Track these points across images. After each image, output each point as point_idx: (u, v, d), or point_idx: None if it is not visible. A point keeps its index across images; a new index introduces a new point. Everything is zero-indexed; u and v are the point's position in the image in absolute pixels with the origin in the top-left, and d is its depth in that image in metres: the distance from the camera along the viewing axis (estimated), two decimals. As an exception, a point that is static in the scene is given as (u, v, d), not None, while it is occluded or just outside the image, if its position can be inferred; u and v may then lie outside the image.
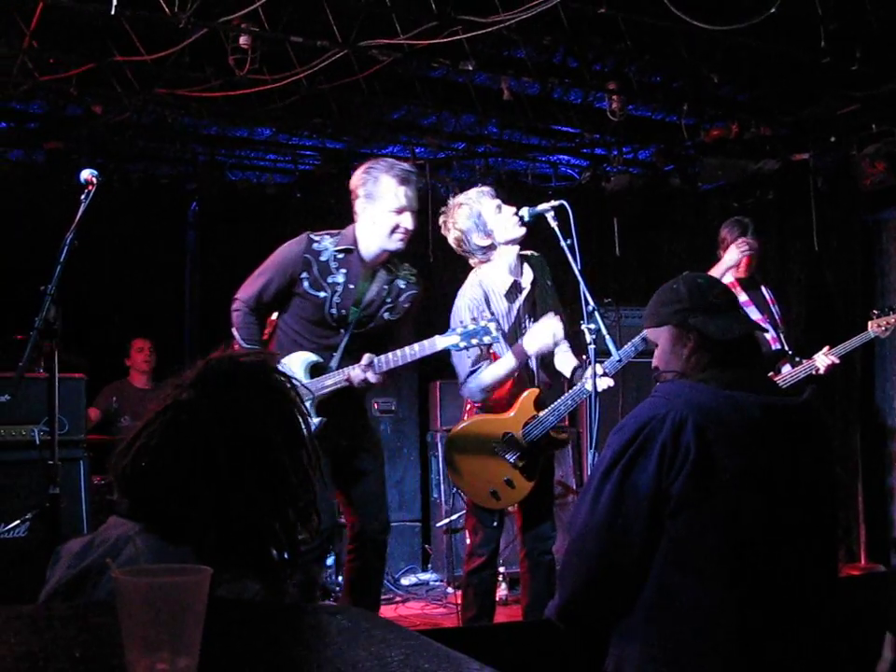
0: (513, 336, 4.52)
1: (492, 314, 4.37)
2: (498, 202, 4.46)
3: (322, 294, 4.16)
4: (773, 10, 5.03)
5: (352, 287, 4.18)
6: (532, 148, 8.23)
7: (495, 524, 4.61)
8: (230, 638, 1.22)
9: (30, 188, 7.35)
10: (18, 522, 5.00)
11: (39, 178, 7.35)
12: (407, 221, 4.15)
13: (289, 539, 1.70)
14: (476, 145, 8.11)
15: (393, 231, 4.16)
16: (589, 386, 4.03)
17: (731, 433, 2.37)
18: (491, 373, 4.45)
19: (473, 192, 4.50)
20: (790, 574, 2.38)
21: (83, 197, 3.58)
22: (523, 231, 4.41)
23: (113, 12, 4.96)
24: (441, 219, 4.58)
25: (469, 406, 4.70)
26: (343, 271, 4.17)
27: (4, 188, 7.22)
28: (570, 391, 4.44)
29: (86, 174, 3.61)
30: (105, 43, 5.92)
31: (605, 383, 4.23)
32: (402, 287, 4.33)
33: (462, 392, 4.62)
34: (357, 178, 4.26)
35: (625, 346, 4.31)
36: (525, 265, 4.59)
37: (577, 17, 5.67)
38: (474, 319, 4.13)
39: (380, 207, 4.15)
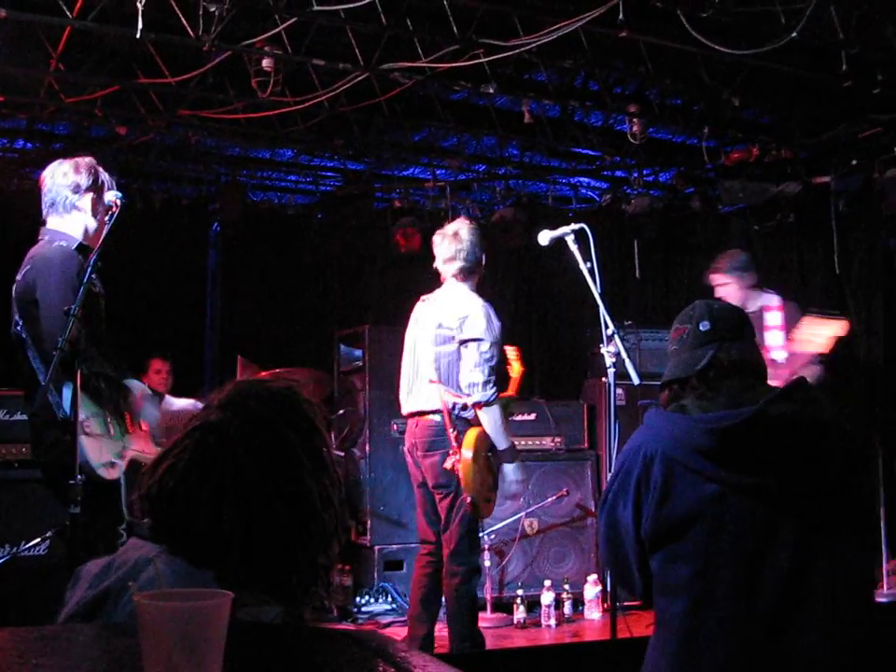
0: None
1: None
2: None
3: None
4: (794, 35, 5.04)
5: None
6: (552, 171, 8.25)
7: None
8: (249, 662, 1.22)
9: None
10: (38, 540, 5.03)
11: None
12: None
13: (310, 563, 1.70)
14: (497, 167, 8.14)
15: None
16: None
17: (688, 464, 2.37)
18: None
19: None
20: (768, 599, 2.32)
21: (107, 219, 3.60)
22: None
23: (138, 35, 5.02)
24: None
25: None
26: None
27: (29, 208, 7.27)
28: None
29: (110, 196, 3.63)
30: (130, 65, 6.00)
31: None
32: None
33: (473, 390, 4.74)
34: (85, 174, 3.88)
35: None
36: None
37: (598, 40, 5.69)
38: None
39: (103, 200, 3.85)
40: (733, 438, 2.36)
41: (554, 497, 6.58)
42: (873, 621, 2.39)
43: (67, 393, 3.41)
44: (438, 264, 4.99)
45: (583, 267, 4.02)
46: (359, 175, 8.20)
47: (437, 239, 4.98)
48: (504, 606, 6.40)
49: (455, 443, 4.68)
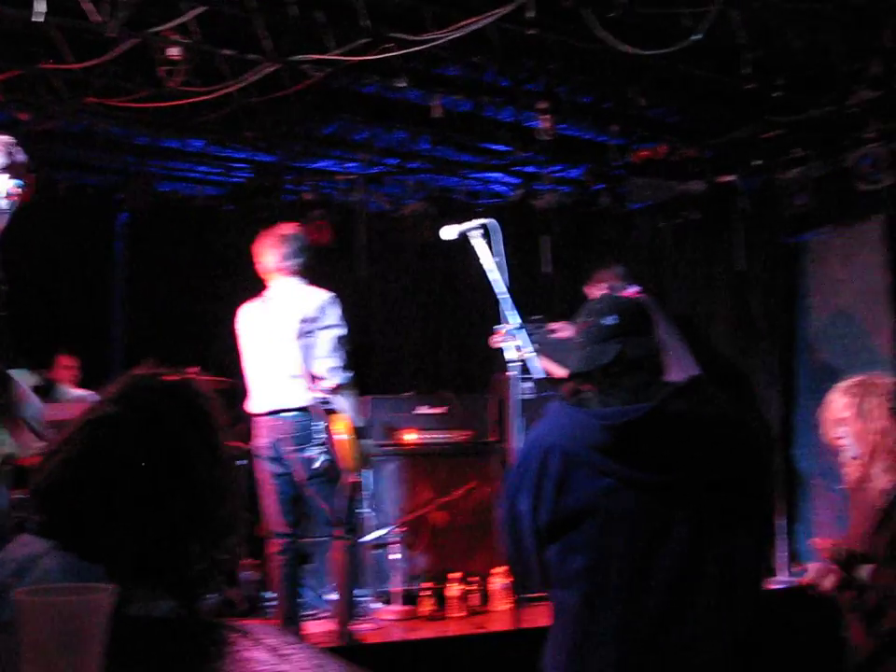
0: None
1: None
2: None
3: None
4: (699, 36, 5.14)
5: None
6: (463, 165, 8.28)
7: None
8: (131, 656, 1.21)
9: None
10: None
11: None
12: None
13: (205, 557, 1.69)
14: (408, 161, 8.14)
15: None
16: None
17: (584, 458, 2.42)
18: None
19: None
20: (659, 592, 2.37)
21: (7, 209, 3.52)
22: None
23: (41, 19, 4.89)
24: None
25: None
26: None
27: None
28: None
29: (10, 185, 3.55)
30: (33, 49, 5.84)
31: None
32: None
33: (335, 374, 5.06)
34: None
35: None
36: None
37: (507, 37, 5.73)
38: None
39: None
40: (629, 433, 2.40)
41: (463, 491, 6.62)
42: (760, 614, 2.47)
43: None
44: (270, 264, 5.28)
45: (486, 262, 4.06)
46: (270, 166, 8.13)
47: (270, 241, 5.27)
48: (412, 598, 6.42)
49: (327, 433, 4.88)
